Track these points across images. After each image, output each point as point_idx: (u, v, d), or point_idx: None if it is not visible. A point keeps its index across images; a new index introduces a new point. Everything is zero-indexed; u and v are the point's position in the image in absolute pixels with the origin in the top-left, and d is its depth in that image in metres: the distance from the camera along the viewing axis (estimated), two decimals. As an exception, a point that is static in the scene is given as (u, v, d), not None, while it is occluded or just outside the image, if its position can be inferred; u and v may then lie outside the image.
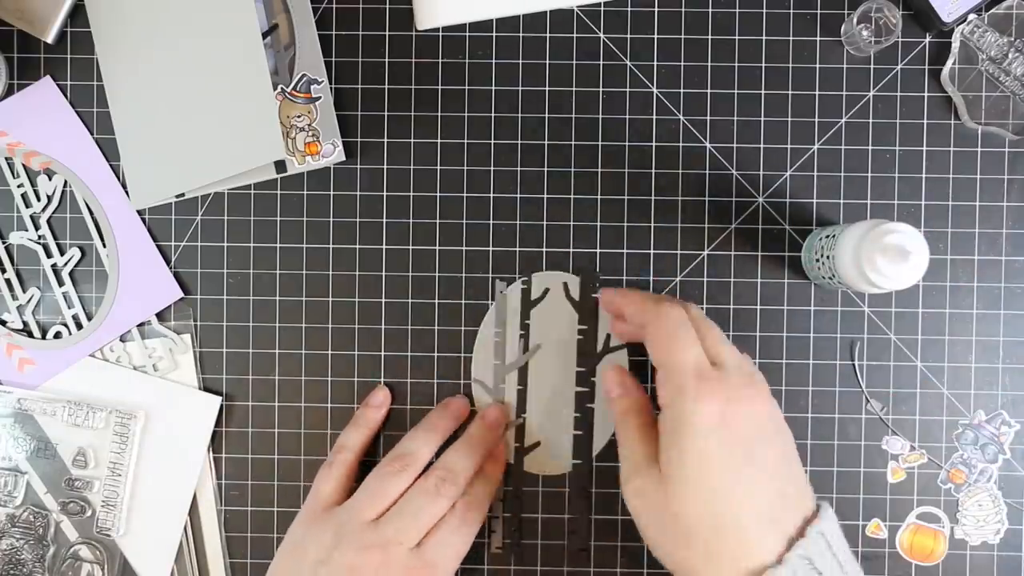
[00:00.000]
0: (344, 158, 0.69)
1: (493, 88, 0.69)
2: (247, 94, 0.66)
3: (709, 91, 0.69)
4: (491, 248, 0.69)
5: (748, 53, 0.69)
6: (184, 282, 0.70)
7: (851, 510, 0.69)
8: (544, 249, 0.69)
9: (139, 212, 0.69)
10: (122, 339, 0.70)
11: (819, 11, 0.69)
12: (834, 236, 0.62)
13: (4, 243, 0.70)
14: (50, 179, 0.69)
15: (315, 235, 0.70)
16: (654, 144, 0.69)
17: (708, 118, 0.69)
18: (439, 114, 0.69)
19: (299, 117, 0.69)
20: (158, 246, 0.69)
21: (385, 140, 0.70)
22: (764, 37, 0.69)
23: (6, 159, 0.69)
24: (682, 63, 0.69)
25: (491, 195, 0.69)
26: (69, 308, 0.69)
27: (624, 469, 0.58)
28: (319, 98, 0.69)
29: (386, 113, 0.70)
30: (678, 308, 0.58)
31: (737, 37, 0.69)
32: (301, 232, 0.70)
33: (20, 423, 0.69)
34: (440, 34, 0.69)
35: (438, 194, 0.69)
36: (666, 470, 0.54)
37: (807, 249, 0.67)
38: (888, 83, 0.69)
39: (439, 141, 0.69)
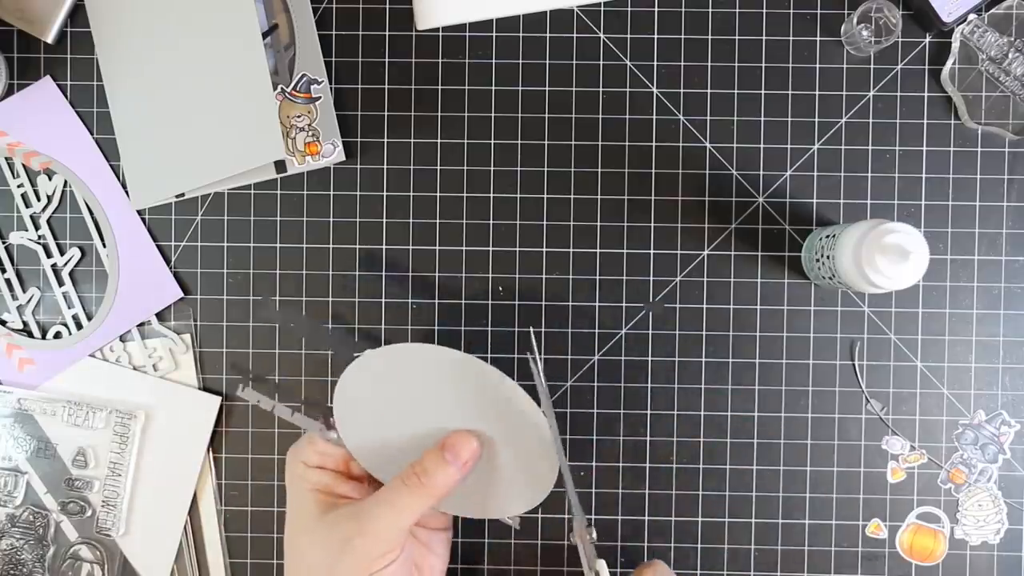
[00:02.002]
0: (344, 158, 0.69)
1: (493, 88, 0.69)
2: (247, 94, 0.66)
3: (709, 91, 0.69)
4: (491, 248, 0.69)
5: (748, 53, 0.69)
6: (184, 282, 0.70)
7: (851, 510, 0.69)
8: (544, 249, 0.69)
9: (139, 212, 0.69)
10: (122, 339, 0.70)
11: (819, 11, 0.69)
12: (834, 236, 0.62)
13: (4, 243, 0.70)
14: (50, 179, 0.69)
15: (315, 235, 0.70)
16: (654, 144, 0.69)
17: (708, 118, 0.69)
18: (439, 114, 0.69)
19: (299, 117, 0.69)
20: (158, 246, 0.69)
21: (385, 140, 0.70)
22: (764, 37, 0.69)
23: (6, 159, 0.69)
24: (682, 63, 0.69)
25: (491, 195, 0.69)
26: (69, 308, 0.69)
27: None
28: (319, 98, 0.69)
29: (386, 113, 0.70)
30: None
31: (737, 37, 0.69)
32: (301, 232, 0.70)
33: (20, 423, 0.69)
34: (440, 34, 0.69)
35: (438, 194, 0.69)
36: None
37: (807, 249, 0.67)
38: (888, 83, 0.69)
39: (439, 141, 0.69)
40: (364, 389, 0.56)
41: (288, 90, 0.69)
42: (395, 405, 0.57)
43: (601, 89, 0.69)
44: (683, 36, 0.69)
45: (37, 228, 0.69)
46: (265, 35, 0.68)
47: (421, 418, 0.56)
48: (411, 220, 0.69)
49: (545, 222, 0.69)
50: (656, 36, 0.69)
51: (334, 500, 0.57)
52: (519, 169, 0.69)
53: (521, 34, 0.69)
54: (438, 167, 0.69)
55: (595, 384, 0.69)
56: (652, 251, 0.69)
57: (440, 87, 0.69)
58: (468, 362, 0.55)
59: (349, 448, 0.58)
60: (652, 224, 0.69)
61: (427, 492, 0.54)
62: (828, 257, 0.62)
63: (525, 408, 0.55)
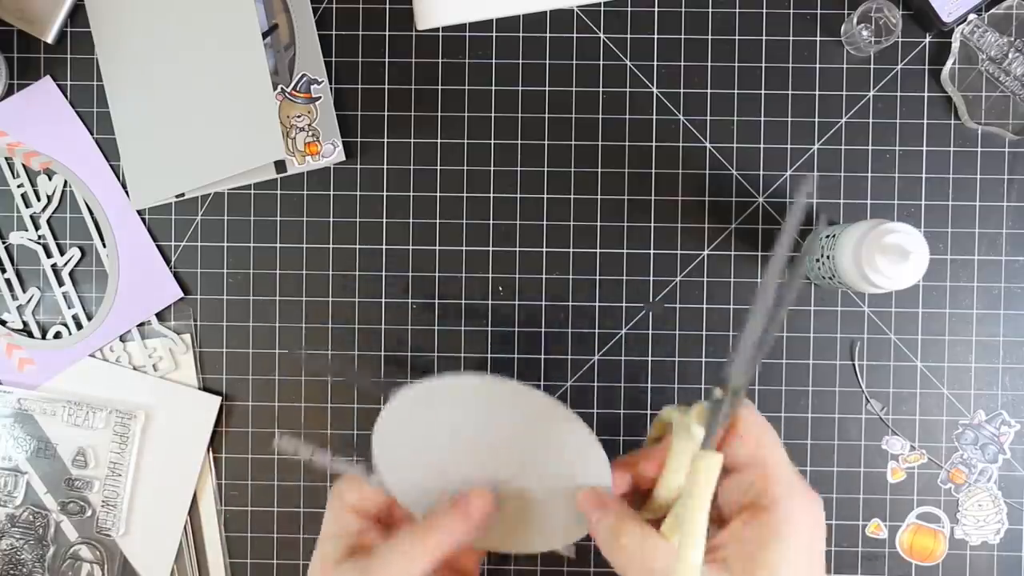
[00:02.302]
0: (344, 158, 0.69)
1: (493, 88, 0.69)
2: (247, 94, 0.66)
3: (709, 91, 0.69)
4: (491, 248, 0.69)
5: (748, 53, 0.69)
6: (184, 282, 0.70)
7: (851, 510, 0.69)
8: (544, 249, 0.69)
9: (139, 212, 0.69)
10: (122, 339, 0.70)
11: (819, 11, 0.69)
12: (834, 236, 0.62)
13: (4, 243, 0.70)
14: (50, 179, 0.70)
15: (315, 235, 0.70)
16: (654, 144, 0.69)
17: (708, 118, 0.69)
18: (439, 114, 0.69)
19: (299, 117, 0.69)
20: (158, 246, 0.69)
21: (385, 140, 0.70)
22: (764, 37, 0.69)
23: (6, 159, 0.69)
24: (682, 63, 0.69)
25: (491, 195, 0.69)
26: (69, 308, 0.69)
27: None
28: (319, 98, 0.69)
29: (386, 113, 0.70)
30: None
31: (737, 37, 0.69)
32: (301, 232, 0.70)
33: (20, 423, 0.69)
34: (440, 34, 0.69)
35: (438, 194, 0.69)
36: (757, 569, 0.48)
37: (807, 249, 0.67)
38: (888, 83, 0.69)
39: (439, 141, 0.69)
40: (402, 428, 0.55)
41: (288, 90, 0.69)
42: (432, 441, 0.54)
43: (601, 89, 0.69)
44: (683, 36, 0.69)
45: (37, 228, 0.69)
46: (265, 35, 0.68)
47: (459, 452, 0.54)
48: (411, 220, 0.69)
49: (545, 222, 0.69)
50: (656, 36, 0.69)
51: (356, 547, 0.55)
52: (519, 169, 0.69)
53: (521, 34, 0.69)
54: (438, 167, 0.69)
55: (595, 384, 0.69)
56: (652, 251, 0.69)
57: (440, 87, 0.69)
58: (494, 384, 0.52)
59: (391, 489, 0.55)
60: (652, 224, 0.69)
61: (436, 545, 0.52)
62: (828, 257, 0.62)
63: (561, 419, 0.52)
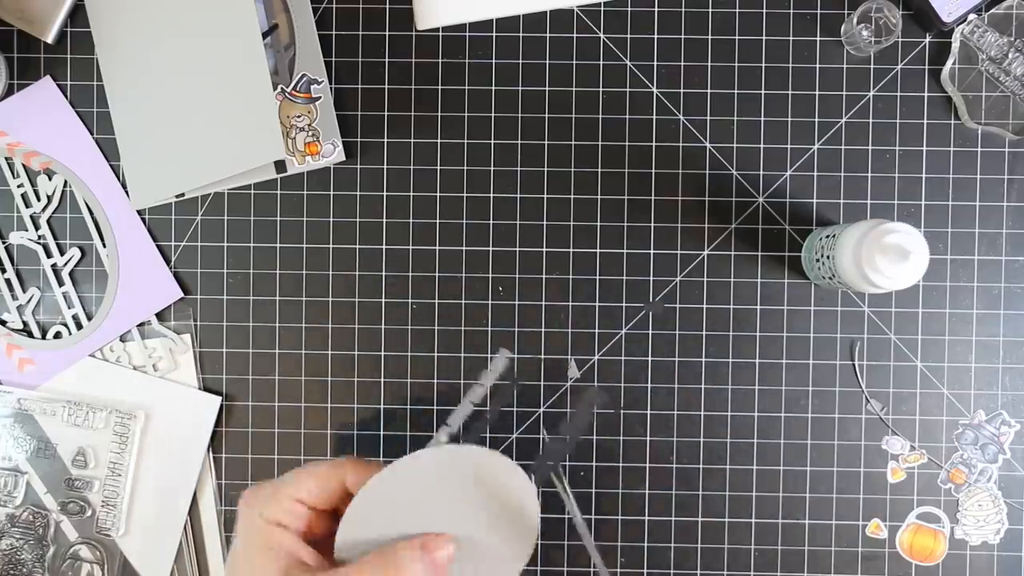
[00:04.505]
0: (344, 158, 0.69)
1: (493, 88, 0.69)
2: (247, 94, 0.66)
3: (709, 91, 0.69)
4: (491, 248, 0.69)
5: (748, 53, 0.69)
6: (184, 282, 0.70)
7: (851, 510, 0.69)
8: (544, 249, 0.69)
9: (139, 212, 0.69)
10: (122, 339, 0.70)
11: (819, 11, 0.69)
12: (834, 236, 0.62)
13: (4, 243, 0.70)
14: (50, 179, 0.70)
15: (315, 235, 0.70)
16: (654, 144, 0.69)
17: (708, 118, 0.69)
18: (439, 114, 0.69)
19: (299, 117, 0.69)
20: (158, 246, 0.69)
21: (385, 140, 0.70)
22: (764, 37, 0.69)
23: (6, 159, 0.69)
24: (682, 63, 0.69)
25: (491, 195, 0.69)
26: (69, 308, 0.69)
27: None
28: (319, 98, 0.69)
29: (386, 113, 0.70)
30: None
31: (737, 37, 0.69)
32: (301, 232, 0.70)
33: (20, 423, 0.69)
34: (440, 34, 0.69)
35: (438, 194, 0.69)
36: None
37: (807, 249, 0.67)
38: (888, 83, 0.69)
39: (439, 141, 0.69)
40: (366, 516, 0.53)
41: (288, 90, 0.69)
42: (394, 521, 0.52)
43: (601, 89, 0.69)
44: (683, 36, 0.69)
45: (37, 228, 0.69)
46: (265, 35, 0.68)
47: (417, 526, 0.52)
48: (411, 220, 0.69)
49: (545, 222, 0.69)
50: (656, 36, 0.69)
51: (293, 566, 0.52)
52: (519, 169, 0.69)
53: (521, 34, 0.69)
54: (438, 167, 0.69)
55: (595, 384, 0.69)
56: (652, 251, 0.69)
57: (440, 87, 0.69)
58: (443, 454, 0.51)
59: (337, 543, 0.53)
60: (652, 224, 0.69)
61: None
62: (828, 257, 0.62)
63: (501, 470, 0.51)
